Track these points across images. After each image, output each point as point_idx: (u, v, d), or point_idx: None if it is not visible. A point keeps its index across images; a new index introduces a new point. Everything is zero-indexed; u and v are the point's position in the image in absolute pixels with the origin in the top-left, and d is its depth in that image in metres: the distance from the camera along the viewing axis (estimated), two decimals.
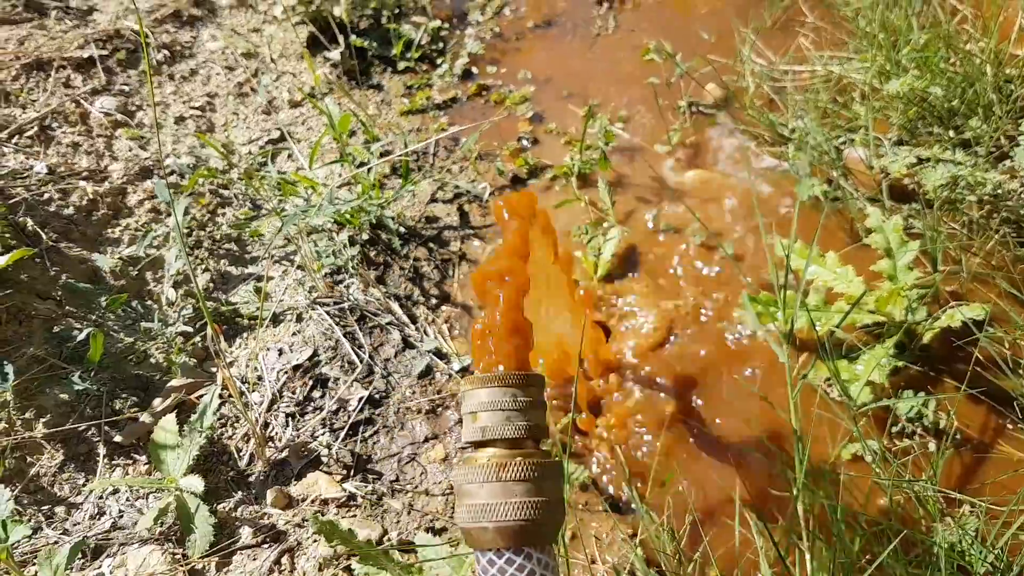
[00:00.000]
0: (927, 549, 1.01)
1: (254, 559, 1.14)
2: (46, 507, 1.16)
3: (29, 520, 1.13)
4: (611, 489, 1.22)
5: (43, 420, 1.24)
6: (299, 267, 1.52)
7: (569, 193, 1.70)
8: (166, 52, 2.09)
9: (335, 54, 2.13)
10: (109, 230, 1.54)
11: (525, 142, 1.89)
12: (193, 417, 1.20)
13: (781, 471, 1.13)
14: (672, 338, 1.39)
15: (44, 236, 1.44)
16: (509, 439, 0.55)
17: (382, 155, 1.78)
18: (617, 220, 1.62)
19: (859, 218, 1.48)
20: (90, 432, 1.25)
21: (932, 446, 1.18)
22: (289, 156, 1.82)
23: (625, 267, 1.54)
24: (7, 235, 1.39)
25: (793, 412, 0.95)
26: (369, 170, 1.62)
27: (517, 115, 1.97)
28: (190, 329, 1.39)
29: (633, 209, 1.66)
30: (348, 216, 1.55)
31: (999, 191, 1.37)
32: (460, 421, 1.30)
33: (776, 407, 1.21)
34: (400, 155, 1.65)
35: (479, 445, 0.56)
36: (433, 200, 1.74)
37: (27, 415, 1.24)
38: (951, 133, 1.52)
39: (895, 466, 1.10)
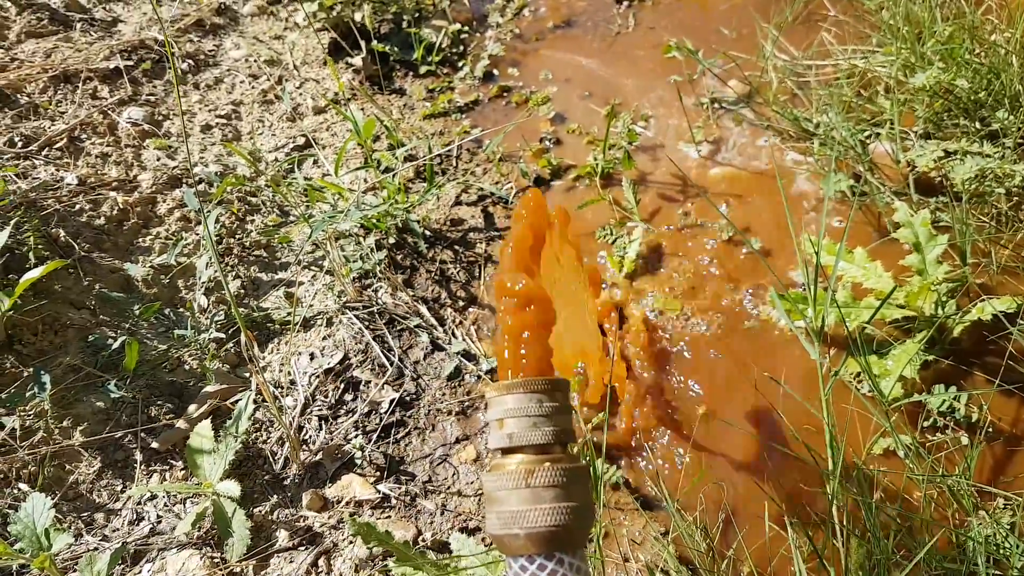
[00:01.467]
0: (961, 544, 1.00)
1: (291, 561, 1.15)
2: (85, 514, 1.18)
3: (69, 527, 1.16)
4: (643, 488, 1.22)
5: (80, 428, 1.26)
6: (328, 272, 1.53)
7: (593, 193, 1.70)
8: (190, 61, 2.12)
9: (357, 60, 2.15)
10: (140, 239, 1.57)
11: (548, 143, 1.89)
12: (228, 422, 1.22)
13: (813, 467, 1.13)
14: (698, 336, 1.39)
15: (76, 247, 1.47)
16: (537, 445, 0.55)
17: (406, 159, 1.79)
18: (642, 218, 1.62)
19: (886, 213, 1.47)
20: (127, 439, 1.28)
21: (965, 440, 1.17)
22: (315, 162, 1.84)
23: (651, 265, 1.54)
24: (40, 247, 1.42)
25: (825, 408, 0.95)
26: (394, 175, 1.63)
27: (539, 116, 1.98)
28: (223, 335, 1.41)
29: (658, 207, 1.66)
30: (375, 221, 1.56)
31: None
32: (489, 424, 1.31)
33: (806, 403, 1.21)
34: (425, 159, 1.67)
35: (507, 451, 0.57)
36: (458, 203, 1.75)
37: (65, 423, 1.26)
38: (977, 125, 1.51)
39: (929, 461, 1.09)
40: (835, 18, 1.98)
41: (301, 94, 2.08)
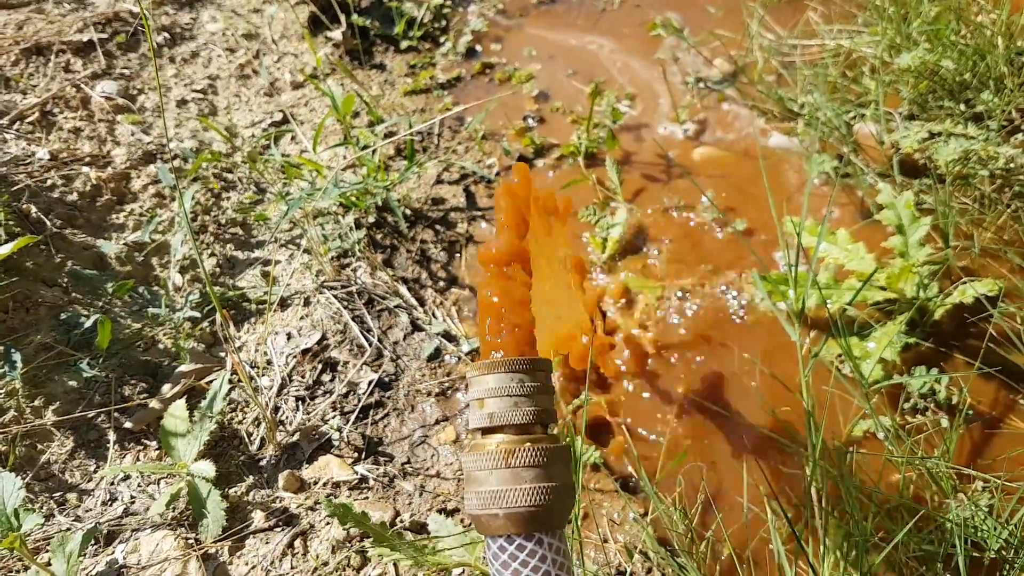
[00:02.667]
0: (940, 525, 1.01)
1: (267, 542, 1.14)
2: (58, 494, 1.16)
3: (41, 507, 1.14)
4: (623, 470, 1.21)
5: (52, 407, 1.24)
6: (306, 251, 1.51)
7: (576, 173, 1.69)
8: (166, 35, 2.07)
9: (337, 34, 2.11)
10: (113, 216, 1.53)
11: (531, 121, 1.87)
12: (203, 403, 1.20)
13: (792, 450, 1.13)
14: (679, 317, 1.38)
15: (48, 223, 1.43)
16: (517, 425, 0.54)
17: (387, 136, 1.76)
18: (625, 199, 1.61)
19: (870, 195, 1.46)
20: (100, 419, 1.25)
21: (945, 422, 1.17)
22: (293, 138, 1.81)
23: (634, 246, 1.52)
24: (11, 222, 1.38)
25: (805, 390, 0.94)
26: (373, 152, 1.61)
27: (522, 93, 1.95)
28: (198, 315, 1.39)
29: (642, 188, 1.64)
30: (354, 199, 1.54)
31: (1011, 165, 1.35)
32: (470, 404, 1.30)
33: (787, 385, 1.21)
34: (404, 135, 1.64)
35: (487, 431, 0.56)
36: (439, 182, 1.72)
37: (36, 403, 1.24)
38: (963, 107, 1.50)
39: (908, 443, 1.09)
40: None
41: (279, 68, 2.04)
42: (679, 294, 1.42)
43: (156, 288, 1.43)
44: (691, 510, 1.12)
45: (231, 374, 1.27)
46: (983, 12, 1.61)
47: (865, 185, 1.48)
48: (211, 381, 1.26)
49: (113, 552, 1.11)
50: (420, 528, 1.15)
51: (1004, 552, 0.93)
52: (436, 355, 1.37)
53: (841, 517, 0.98)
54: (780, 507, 0.98)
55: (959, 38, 1.53)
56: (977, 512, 1.02)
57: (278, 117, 1.87)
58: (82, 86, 1.80)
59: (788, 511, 1.07)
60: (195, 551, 1.10)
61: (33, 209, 1.44)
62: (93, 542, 1.12)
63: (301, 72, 2.01)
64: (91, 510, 1.15)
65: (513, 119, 1.86)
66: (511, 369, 0.55)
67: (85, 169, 1.57)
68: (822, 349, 0.98)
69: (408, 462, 1.24)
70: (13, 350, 1.22)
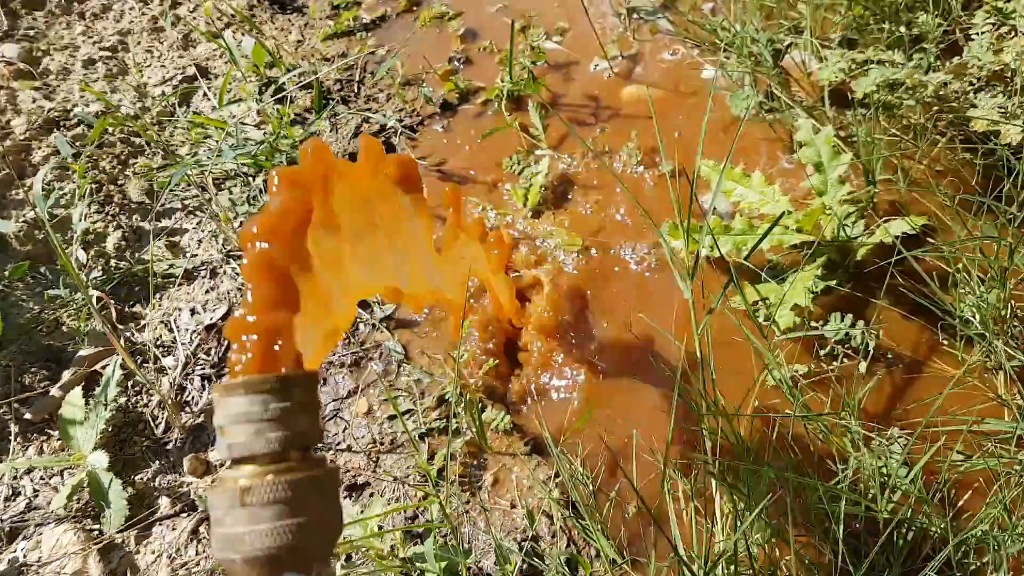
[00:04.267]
0: (853, 479, 0.98)
1: (173, 529, 1.12)
2: None
3: None
4: (533, 432, 1.18)
5: None
6: (213, 217, 1.45)
7: (500, 120, 1.60)
8: None
9: None
10: (13, 192, 1.47)
11: (457, 62, 1.77)
12: (97, 390, 1.16)
13: (694, 409, 1.09)
14: (595, 269, 1.33)
15: None
16: (263, 455, 0.49)
17: (303, 88, 1.68)
18: (550, 145, 1.54)
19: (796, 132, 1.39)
20: (1, 411, 1.22)
21: (864, 367, 1.13)
22: (205, 95, 1.72)
23: (557, 196, 1.46)
24: None
25: (698, 347, 0.90)
26: (288, 104, 1.52)
27: (449, 32, 1.85)
28: (100, 294, 1.34)
29: (568, 132, 1.56)
30: (263, 158, 1.47)
31: (942, 92, 1.28)
32: (384, 372, 1.26)
33: (676, 342, 1.16)
34: (302, 81, 1.55)
35: (236, 463, 0.50)
36: (357, 134, 1.64)
37: None
38: (903, 29, 1.41)
39: (798, 401, 1.05)
40: None
41: (195, 19, 1.93)
42: (596, 247, 1.36)
43: (58, 267, 1.37)
44: (594, 472, 1.09)
45: (132, 357, 1.23)
46: None
47: (791, 122, 1.40)
48: (107, 366, 1.22)
49: (15, 550, 1.09)
50: None
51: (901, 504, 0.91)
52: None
53: (735, 477, 0.95)
54: (675, 468, 0.95)
55: None
56: (889, 461, 0.99)
57: (191, 72, 1.78)
58: None
59: (692, 469, 1.04)
60: (95, 544, 1.08)
61: None
62: None
63: (218, 20, 1.90)
64: None
65: (437, 62, 1.76)
66: (253, 390, 0.49)
67: None
68: (718, 301, 0.93)
69: None
70: None
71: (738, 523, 0.91)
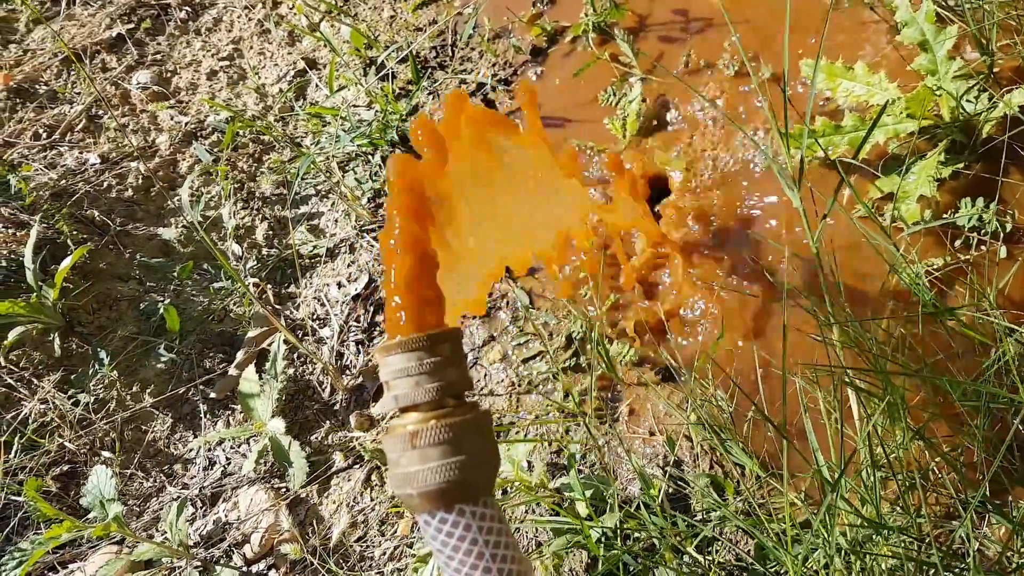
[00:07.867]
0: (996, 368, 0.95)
1: (349, 480, 1.24)
2: (166, 467, 1.31)
3: (154, 481, 1.29)
4: (663, 362, 1.22)
5: (148, 391, 1.38)
6: (341, 198, 1.56)
7: (590, 55, 1.61)
8: (187, 9, 2.12)
9: None
10: (168, 202, 1.64)
11: (541, 5, 1.79)
12: (267, 365, 1.30)
13: (825, 321, 1.08)
14: (715, 191, 1.33)
15: (111, 223, 1.55)
16: (423, 403, 0.56)
17: (400, 62, 1.75)
18: (643, 70, 1.53)
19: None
20: (190, 392, 1.39)
21: (1003, 251, 1.08)
22: (317, 86, 1.83)
23: (658, 120, 1.46)
24: (75, 231, 1.51)
25: (818, 257, 0.90)
26: (392, 81, 1.60)
27: None
28: (257, 280, 1.48)
29: (661, 52, 1.55)
30: (377, 136, 1.56)
31: None
32: (514, 319, 1.33)
33: (812, 254, 1.15)
34: (400, 55, 1.62)
35: (402, 411, 0.57)
36: None
37: (135, 389, 1.38)
38: None
39: (928, 298, 1.02)
40: None
41: (295, 15, 2.05)
42: (702, 166, 1.36)
43: (217, 262, 1.53)
44: (729, 393, 1.11)
45: (293, 333, 1.36)
46: None
47: (889, 3, 1.33)
48: (272, 343, 1.36)
49: (218, 511, 1.26)
50: None
51: None
52: None
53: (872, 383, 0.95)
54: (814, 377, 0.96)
55: None
56: None
57: (301, 66, 1.90)
58: (120, 82, 1.89)
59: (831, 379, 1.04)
60: (283, 500, 1.22)
61: (96, 213, 1.56)
62: (201, 504, 1.26)
63: (315, 12, 2.00)
64: (195, 477, 1.30)
65: (520, 10, 1.78)
66: (407, 348, 0.56)
67: (133, 164, 1.67)
68: (831, 205, 0.92)
69: None
70: (99, 349, 1.36)
71: (876, 428, 0.91)
